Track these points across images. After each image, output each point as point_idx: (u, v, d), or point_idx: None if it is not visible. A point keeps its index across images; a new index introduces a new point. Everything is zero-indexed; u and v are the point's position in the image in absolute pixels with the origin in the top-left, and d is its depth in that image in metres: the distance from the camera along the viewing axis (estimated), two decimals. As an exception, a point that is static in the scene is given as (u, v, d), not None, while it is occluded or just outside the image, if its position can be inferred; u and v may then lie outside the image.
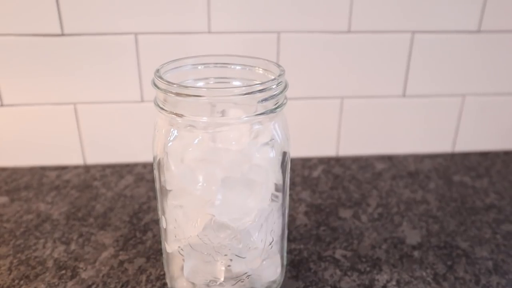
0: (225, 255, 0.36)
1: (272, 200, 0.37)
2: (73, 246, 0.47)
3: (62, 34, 0.57)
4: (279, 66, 0.36)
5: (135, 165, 0.65)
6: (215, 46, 0.59)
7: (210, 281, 0.37)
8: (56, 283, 0.42)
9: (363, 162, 0.67)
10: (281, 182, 0.38)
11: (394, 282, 0.43)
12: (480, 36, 0.63)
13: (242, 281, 0.37)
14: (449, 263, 0.45)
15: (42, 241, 0.48)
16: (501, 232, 0.51)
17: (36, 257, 0.45)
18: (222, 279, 0.37)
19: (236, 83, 0.39)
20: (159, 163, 0.36)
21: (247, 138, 0.35)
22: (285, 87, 0.35)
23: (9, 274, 0.43)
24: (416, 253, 0.47)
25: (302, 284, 0.42)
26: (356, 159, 0.67)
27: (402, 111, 0.66)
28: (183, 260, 0.37)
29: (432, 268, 0.45)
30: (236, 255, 0.36)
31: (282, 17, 0.58)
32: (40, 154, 0.63)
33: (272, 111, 0.34)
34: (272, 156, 0.36)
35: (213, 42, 0.59)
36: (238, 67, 0.39)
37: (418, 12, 0.60)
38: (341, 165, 0.66)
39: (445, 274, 0.44)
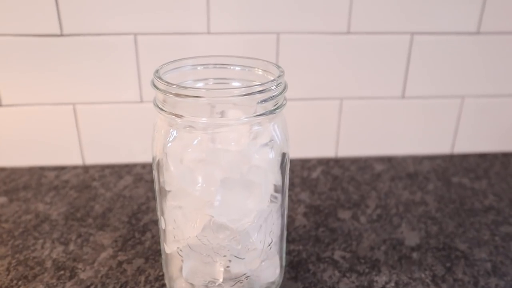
0: (224, 256, 0.36)
1: (271, 201, 0.37)
2: (71, 247, 0.47)
3: (61, 35, 0.57)
4: (278, 67, 0.36)
5: (134, 165, 0.64)
6: (215, 47, 0.59)
7: (209, 282, 0.37)
8: (55, 284, 0.42)
9: (362, 163, 0.67)
10: (280, 183, 0.38)
11: (392, 284, 0.43)
12: (479, 37, 0.63)
13: (241, 282, 0.37)
14: (447, 264, 0.45)
15: (40, 241, 0.48)
16: (500, 234, 0.51)
17: (34, 257, 0.45)
18: (221, 280, 0.37)
19: (236, 84, 0.39)
20: (158, 164, 0.36)
21: (246, 139, 0.35)
22: (285, 88, 0.35)
23: (8, 274, 0.43)
24: (414, 255, 0.47)
25: (301, 285, 0.42)
26: (355, 160, 0.67)
27: (401, 112, 0.66)
28: (182, 261, 0.37)
29: (431, 270, 0.45)
30: (235, 256, 0.36)
31: (282, 18, 0.58)
32: (39, 154, 0.63)
33: (271, 112, 0.34)
34: (272, 157, 0.36)
35: (213, 42, 0.59)
36: (237, 68, 0.39)
37: (418, 14, 0.60)
38: (340, 166, 0.66)
39: (444, 275, 0.44)
